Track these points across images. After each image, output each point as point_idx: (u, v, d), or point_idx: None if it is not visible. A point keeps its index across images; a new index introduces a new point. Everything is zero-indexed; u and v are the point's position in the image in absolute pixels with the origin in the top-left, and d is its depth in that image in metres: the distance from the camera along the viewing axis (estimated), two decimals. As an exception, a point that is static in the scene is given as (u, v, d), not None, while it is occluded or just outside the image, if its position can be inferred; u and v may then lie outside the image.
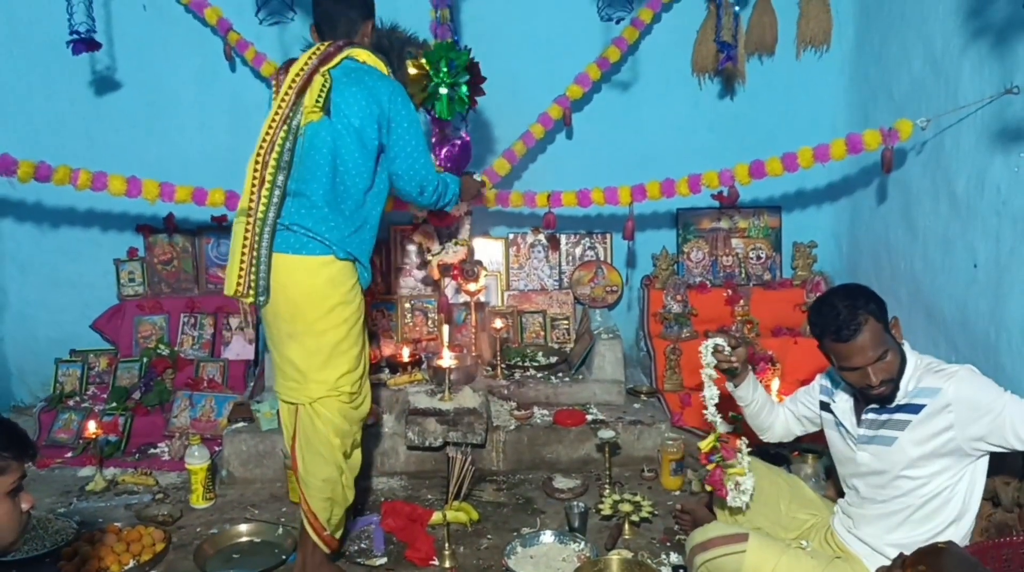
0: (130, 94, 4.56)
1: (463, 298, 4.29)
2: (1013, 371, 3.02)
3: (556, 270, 4.76)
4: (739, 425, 3.05)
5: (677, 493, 3.57)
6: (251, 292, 2.71)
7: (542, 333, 4.58)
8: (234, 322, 4.55)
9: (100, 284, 4.64)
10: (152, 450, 4.07)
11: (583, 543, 3.05)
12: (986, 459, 2.36)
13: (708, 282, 4.61)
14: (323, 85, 2.71)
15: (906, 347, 2.43)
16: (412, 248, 4.56)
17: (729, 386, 2.77)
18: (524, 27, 4.52)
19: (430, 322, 4.47)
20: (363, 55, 2.83)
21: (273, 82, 2.91)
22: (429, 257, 4.15)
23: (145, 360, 4.41)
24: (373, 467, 3.73)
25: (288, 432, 2.91)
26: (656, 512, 3.27)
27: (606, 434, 3.52)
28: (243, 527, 3.28)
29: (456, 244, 4.12)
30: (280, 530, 3.25)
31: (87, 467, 3.87)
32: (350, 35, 2.88)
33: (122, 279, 4.65)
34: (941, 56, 3.56)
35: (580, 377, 4.18)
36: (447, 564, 3.03)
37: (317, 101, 2.70)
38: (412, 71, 3.44)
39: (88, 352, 4.56)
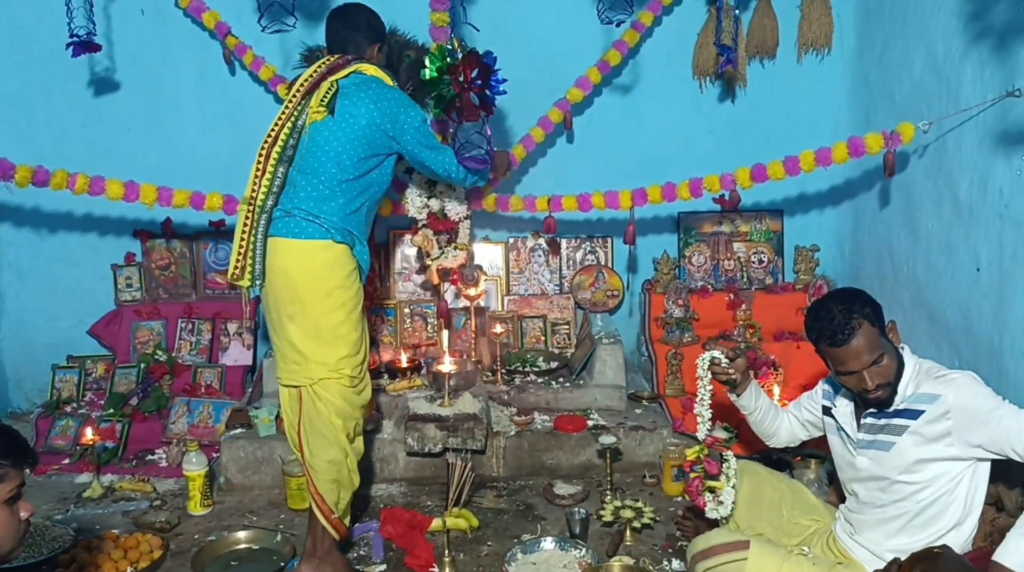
0: (129, 98, 4.55)
1: (463, 303, 4.27)
2: (1016, 375, 3.00)
3: (557, 274, 4.74)
4: (734, 437, 3.04)
5: (679, 499, 3.54)
6: (247, 275, 2.88)
7: (542, 338, 4.56)
8: (232, 327, 4.53)
9: (97, 290, 4.63)
10: (150, 456, 4.05)
11: (584, 550, 3.03)
12: (987, 465, 2.35)
13: (710, 286, 4.59)
14: (329, 89, 2.91)
15: (906, 351, 2.43)
16: (411, 252, 4.54)
17: (731, 396, 2.76)
18: (524, 30, 4.51)
19: (429, 327, 4.45)
20: (371, 70, 3.02)
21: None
22: (428, 261, 4.13)
23: (143, 366, 4.39)
24: (372, 473, 3.71)
25: (291, 420, 2.96)
26: (658, 518, 3.26)
27: (607, 440, 3.51)
28: (241, 534, 3.26)
29: (456, 248, 4.10)
30: (278, 537, 3.23)
31: (84, 474, 3.85)
32: (358, 54, 3.08)
33: (119, 284, 4.63)
34: (942, 59, 3.55)
35: (581, 382, 4.16)
36: (447, 571, 3.00)
37: (322, 101, 2.89)
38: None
39: (85, 358, 4.54)
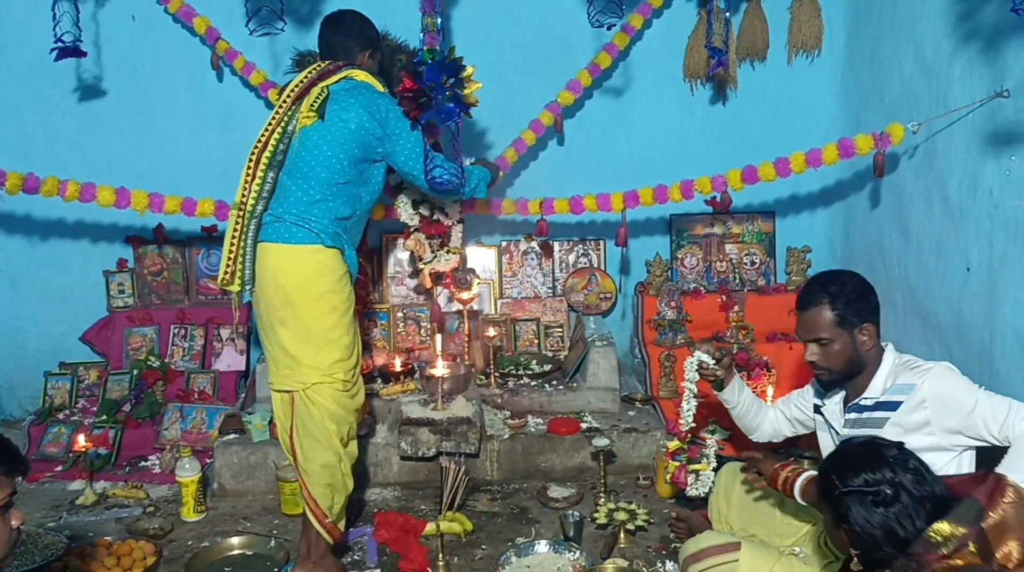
0: (120, 104, 4.54)
1: (456, 306, 4.27)
2: (1007, 375, 3.02)
3: (549, 277, 4.74)
4: (727, 439, 3.14)
5: (672, 501, 3.55)
6: (237, 280, 2.90)
7: (536, 341, 4.56)
8: (225, 333, 4.52)
9: (90, 296, 4.61)
10: (143, 463, 4.04)
11: (578, 552, 3.03)
12: (972, 455, 2.39)
13: (702, 288, 4.60)
14: (319, 95, 2.92)
15: (888, 348, 2.49)
16: (404, 256, 4.54)
17: (715, 392, 2.81)
18: (515, 33, 4.52)
19: (423, 331, 4.45)
20: (362, 76, 3.02)
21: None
22: (421, 265, 4.13)
23: (135, 372, 4.37)
24: (366, 478, 3.70)
25: (284, 425, 2.96)
26: (652, 520, 3.26)
27: (601, 442, 3.51)
28: (235, 540, 3.26)
29: (448, 252, 4.11)
30: (272, 542, 3.22)
31: (77, 481, 3.83)
32: (349, 61, 3.08)
33: (112, 291, 4.62)
34: (932, 60, 3.56)
35: (574, 385, 4.16)
36: (441, 575, 3.01)
37: (312, 107, 2.91)
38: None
39: (78, 365, 4.52)
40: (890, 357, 2.46)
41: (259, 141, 2.95)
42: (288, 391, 2.90)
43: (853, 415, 2.49)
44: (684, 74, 4.65)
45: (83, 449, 3.72)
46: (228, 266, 2.91)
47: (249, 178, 2.92)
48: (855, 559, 1.87)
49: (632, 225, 4.31)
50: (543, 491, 3.60)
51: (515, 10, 4.51)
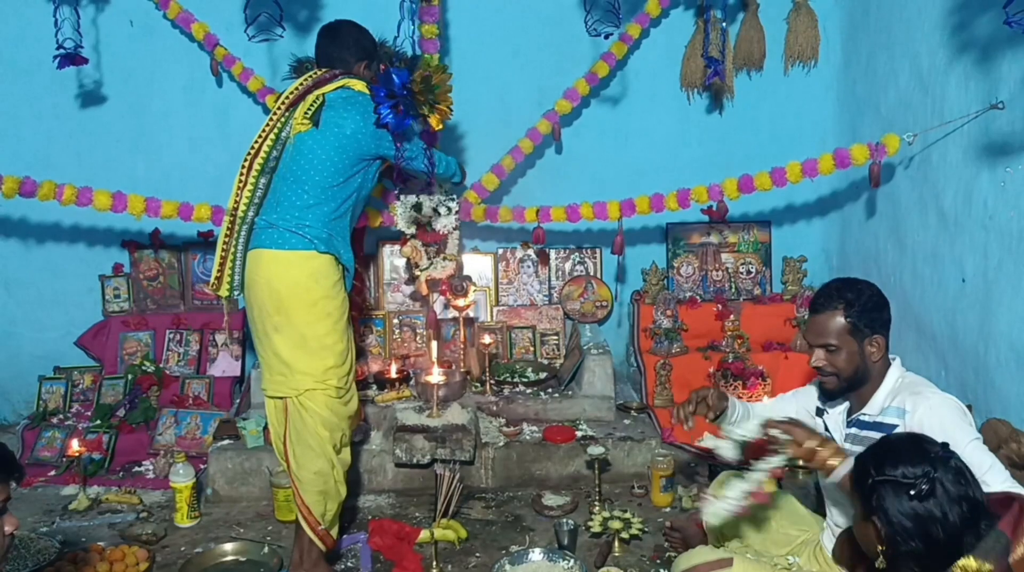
0: (117, 109, 4.54)
1: (452, 314, 4.27)
2: (1002, 385, 3.02)
3: (546, 285, 4.74)
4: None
5: (667, 510, 3.54)
6: (225, 285, 2.95)
7: (531, 349, 4.56)
8: (220, 339, 4.52)
9: (85, 300, 4.61)
10: (136, 468, 4.02)
11: (572, 561, 3.02)
12: None
13: (698, 297, 4.60)
14: (314, 102, 2.92)
15: (895, 362, 2.44)
16: (400, 263, 4.54)
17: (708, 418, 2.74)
18: (513, 42, 4.53)
19: (418, 338, 4.45)
20: (359, 85, 3.02)
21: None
22: (417, 272, 4.13)
23: (130, 377, 4.36)
24: (360, 485, 3.69)
25: (277, 432, 2.96)
26: (646, 529, 3.25)
27: (596, 450, 3.50)
28: (228, 546, 3.24)
29: (445, 259, 4.10)
30: (266, 549, 3.20)
31: (70, 486, 3.82)
32: (345, 70, 3.09)
33: (107, 295, 4.61)
34: (927, 71, 3.58)
35: (570, 393, 4.16)
36: (435, 583, 3.00)
37: (307, 114, 2.91)
38: None
39: (72, 369, 4.51)
40: (895, 372, 2.42)
41: (253, 147, 2.97)
42: (281, 397, 2.90)
43: (853, 430, 2.45)
44: (681, 83, 4.66)
45: (77, 454, 3.71)
46: (218, 271, 2.95)
47: (241, 184, 2.94)
48: (880, 557, 1.85)
49: (628, 233, 4.32)
50: (538, 499, 3.59)
51: (513, 19, 4.53)
